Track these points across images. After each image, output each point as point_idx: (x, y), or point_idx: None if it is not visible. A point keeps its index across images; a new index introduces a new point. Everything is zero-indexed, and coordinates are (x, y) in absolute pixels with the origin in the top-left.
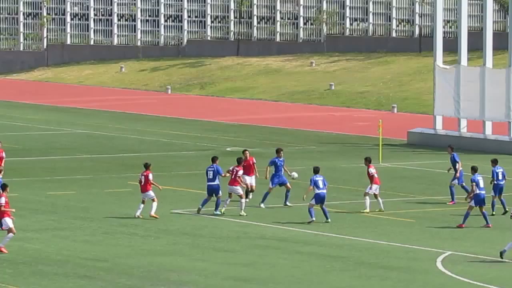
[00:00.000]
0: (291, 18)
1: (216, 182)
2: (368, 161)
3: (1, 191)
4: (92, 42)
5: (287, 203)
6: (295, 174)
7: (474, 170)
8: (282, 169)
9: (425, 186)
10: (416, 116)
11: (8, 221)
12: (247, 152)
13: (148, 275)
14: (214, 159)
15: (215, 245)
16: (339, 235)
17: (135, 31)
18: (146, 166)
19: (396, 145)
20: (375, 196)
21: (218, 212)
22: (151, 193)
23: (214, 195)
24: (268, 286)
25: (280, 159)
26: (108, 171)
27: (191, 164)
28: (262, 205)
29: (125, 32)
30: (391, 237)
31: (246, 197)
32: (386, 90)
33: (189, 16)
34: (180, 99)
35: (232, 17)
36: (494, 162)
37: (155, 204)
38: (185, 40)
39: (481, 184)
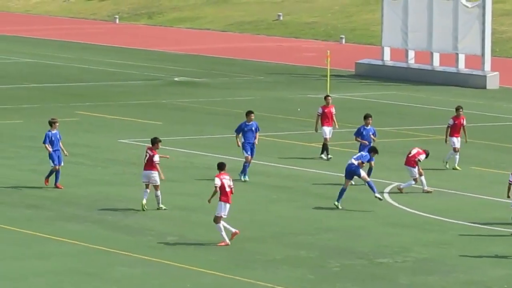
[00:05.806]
0: None
1: None
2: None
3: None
4: None
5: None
6: None
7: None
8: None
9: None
10: (364, 47)
11: None
12: (329, 98)
13: (96, 205)
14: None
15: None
16: (286, 166)
17: None
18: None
19: (343, 76)
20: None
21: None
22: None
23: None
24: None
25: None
26: (56, 101)
27: (138, 94)
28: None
29: None
30: (340, 168)
31: (325, 153)
32: (334, 21)
33: None
34: (128, 29)
35: None
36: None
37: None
38: None
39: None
